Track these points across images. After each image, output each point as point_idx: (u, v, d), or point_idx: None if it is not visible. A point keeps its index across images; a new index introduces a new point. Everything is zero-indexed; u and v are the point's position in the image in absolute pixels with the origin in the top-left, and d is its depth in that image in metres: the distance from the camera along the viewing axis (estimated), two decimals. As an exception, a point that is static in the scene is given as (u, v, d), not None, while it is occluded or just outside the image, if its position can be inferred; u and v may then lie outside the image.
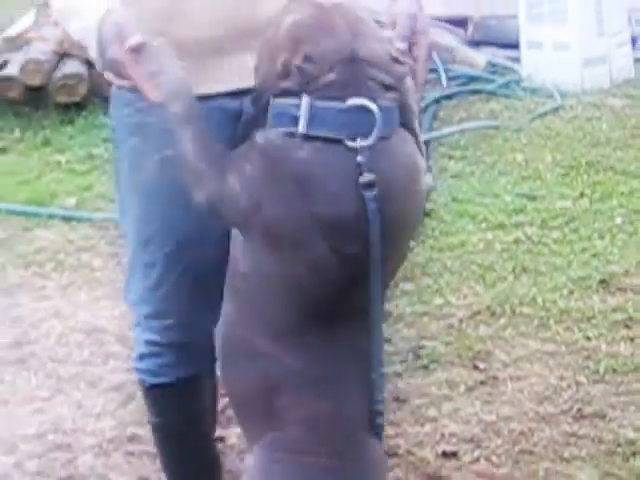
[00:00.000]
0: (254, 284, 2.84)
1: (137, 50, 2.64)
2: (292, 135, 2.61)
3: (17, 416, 4.73)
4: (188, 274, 3.32)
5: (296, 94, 2.61)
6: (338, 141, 2.58)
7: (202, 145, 2.78)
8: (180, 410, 3.54)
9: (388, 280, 2.89)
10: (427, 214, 6.31)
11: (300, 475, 2.88)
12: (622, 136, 7.54)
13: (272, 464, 2.85)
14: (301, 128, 2.57)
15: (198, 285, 3.36)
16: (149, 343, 3.38)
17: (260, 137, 2.69)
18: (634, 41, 8.74)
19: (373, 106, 2.56)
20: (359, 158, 2.56)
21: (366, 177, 2.57)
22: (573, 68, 8.39)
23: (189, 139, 2.77)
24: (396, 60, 2.69)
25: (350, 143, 2.56)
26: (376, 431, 2.96)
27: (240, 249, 2.85)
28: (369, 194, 2.57)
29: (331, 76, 2.61)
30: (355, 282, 2.67)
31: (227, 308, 2.92)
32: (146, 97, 2.73)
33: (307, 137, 2.59)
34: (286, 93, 2.64)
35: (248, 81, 2.96)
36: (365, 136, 2.56)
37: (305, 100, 2.58)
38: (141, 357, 3.43)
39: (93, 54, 2.78)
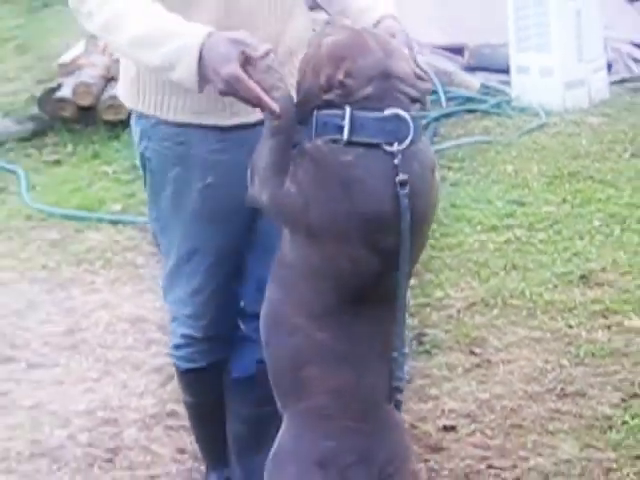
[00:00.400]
0: (298, 273, 2.98)
1: (256, 64, 2.70)
2: (337, 142, 2.74)
3: (70, 395, 4.86)
4: (223, 284, 3.44)
5: (338, 106, 2.76)
6: (377, 146, 2.74)
7: (277, 157, 2.87)
8: (209, 389, 3.65)
9: (413, 267, 3.02)
10: None
11: (328, 437, 2.97)
12: (599, 150, 7.56)
13: (302, 429, 2.99)
14: (345, 135, 2.71)
15: (229, 292, 3.48)
16: (185, 336, 3.50)
17: (308, 145, 2.82)
18: (609, 66, 8.74)
19: (406, 115, 2.74)
20: (396, 160, 2.72)
21: (402, 177, 2.72)
22: (556, 90, 8.37)
23: (269, 149, 2.87)
24: (420, 77, 2.86)
25: (388, 148, 2.73)
26: (395, 405, 3.05)
27: (288, 244, 2.96)
28: (403, 192, 2.72)
29: (369, 89, 2.78)
30: (386, 270, 2.81)
31: (272, 291, 3.04)
32: (268, 108, 2.75)
33: (350, 143, 2.73)
34: (329, 105, 2.78)
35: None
36: (400, 141, 2.73)
37: (348, 110, 2.72)
38: (177, 346, 3.56)
39: (184, 74, 2.78)
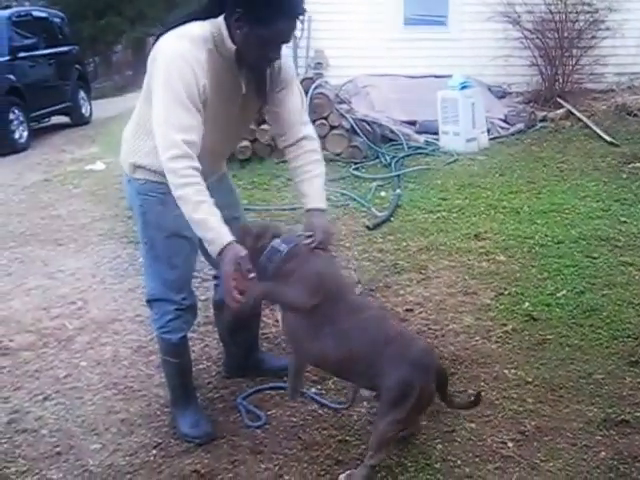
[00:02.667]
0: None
1: (241, 271, 2.71)
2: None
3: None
4: (192, 269, 3.32)
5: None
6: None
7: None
8: (188, 349, 3.43)
9: None
10: (399, 206, 6.58)
11: None
12: (483, 172, 7.66)
13: None
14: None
15: (192, 271, 3.35)
16: (175, 310, 3.22)
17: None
18: (488, 130, 8.71)
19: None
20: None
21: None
22: (461, 143, 8.52)
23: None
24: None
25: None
26: None
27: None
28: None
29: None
30: None
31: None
32: (228, 302, 2.77)
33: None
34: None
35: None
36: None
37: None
38: (169, 321, 3.23)
39: (211, 250, 2.78)
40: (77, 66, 14.39)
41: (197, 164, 2.73)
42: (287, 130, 3.15)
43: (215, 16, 2.77)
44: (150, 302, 3.29)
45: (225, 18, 2.75)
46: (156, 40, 2.80)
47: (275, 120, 3.15)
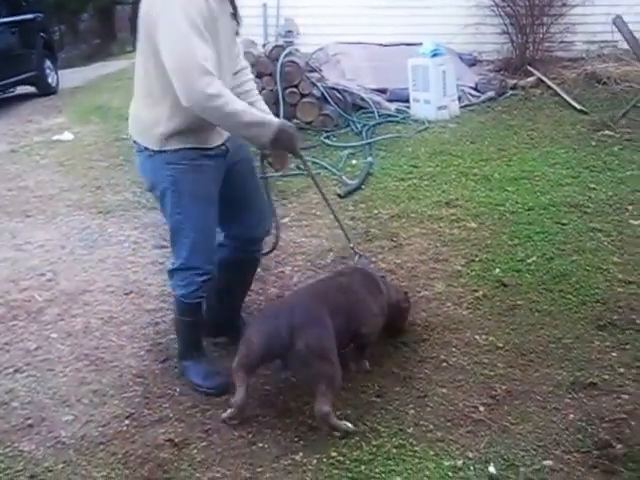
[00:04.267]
0: None
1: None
2: None
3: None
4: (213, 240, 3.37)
5: None
6: None
7: None
8: (201, 308, 3.50)
9: None
10: (370, 174, 6.57)
11: None
12: (454, 139, 7.64)
13: None
14: None
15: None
16: (203, 281, 3.31)
17: None
18: (459, 98, 8.69)
19: None
20: None
21: None
22: (432, 111, 8.50)
23: None
24: None
25: None
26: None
27: None
28: None
29: None
30: None
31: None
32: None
33: None
34: None
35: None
36: None
37: None
38: (195, 290, 3.33)
39: (260, 135, 2.98)
40: (42, 34, 14.14)
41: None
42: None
43: None
44: (177, 271, 3.35)
45: None
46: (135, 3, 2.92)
47: None
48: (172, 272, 3.39)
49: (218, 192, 3.27)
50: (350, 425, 3.07)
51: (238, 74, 3.34)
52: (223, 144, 3.24)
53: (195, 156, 3.12)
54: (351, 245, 3.82)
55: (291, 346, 2.97)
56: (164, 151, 3.11)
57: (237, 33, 3.21)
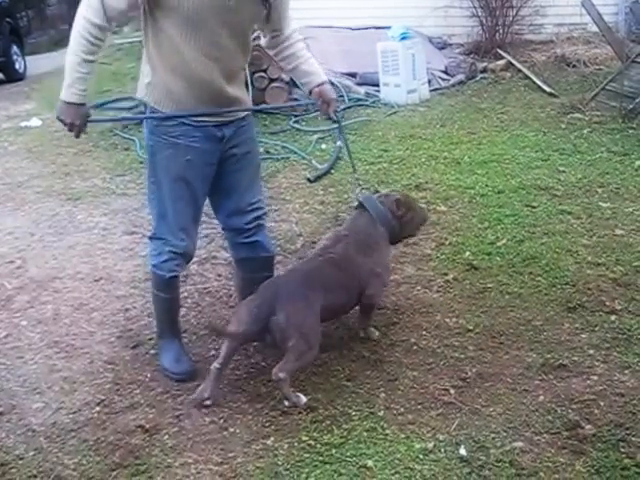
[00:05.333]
0: None
1: None
2: None
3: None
4: (197, 216, 3.46)
5: None
6: None
7: None
8: (178, 286, 3.58)
9: None
10: (340, 158, 6.51)
11: None
12: (424, 123, 7.64)
13: None
14: None
15: (196, 220, 3.48)
16: (172, 253, 3.38)
17: None
18: (429, 82, 8.72)
19: None
20: None
21: None
22: (402, 94, 8.51)
23: None
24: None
25: None
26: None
27: None
28: None
29: None
30: None
31: None
32: None
33: None
34: None
35: (225, 118, 3.29)
36: None
37: None
38: (165, 262, 3.39)
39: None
40: (8, 20, 14.06)
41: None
42: (283, 24, 3.41)
43: None
44: (151, 239, 3.45)
45: None
46: None
47: (270, 16, 3.30)
48: (149, 240, 3.50)
49: (206, 175, 3.35)
50: (302, 398, 3.15)
51: (288, 38, 3.47)
52: (216, 126, 3.28)
53: (175, 134, 3.21)
54: (355, 176, 3.80)
55: (273, 317, 3.09)
56: (152, 116, 3.25)
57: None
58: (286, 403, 3.14)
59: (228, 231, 3.61)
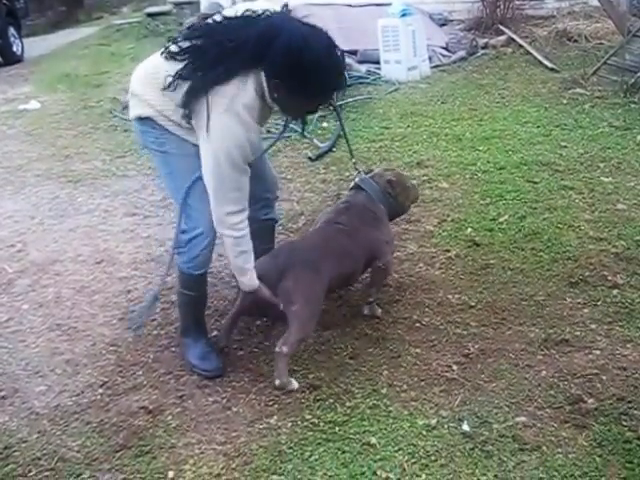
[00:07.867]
0: None
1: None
2: None
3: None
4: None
5: None
6: None
7: None
8: (206, 284, 3.45)
9: None
10: (341, 136, 6.32)
11: None
12: (425, 100, 7.63)
13: None
14: None
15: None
16: (208, 245, 3.25)
17: None
18: (430, 59, 8.72)
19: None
20: None
21: None
22: (403, 71, 8.51)
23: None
24: None
25: None
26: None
27: None
28: None
29: None
30: None
31: None
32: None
33: None
34: None
35: None
36: None
37: None
38: (194, 258, 3.24)
39: (244, 281, 3.12)
40: (5, 2, 14.02)
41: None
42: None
43: (255, 67, 2.89)
44: (186, 237, 3.27)
45: (265, 75, 2.89)
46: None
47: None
48: (182, 235, 3.33)
49: None
50: (294, 383, 3.16)
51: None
52: None
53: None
54: (354, 161, 3.80)
55: (280, 282, 3.12)
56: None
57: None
58: (277, 382, 3.13)
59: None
